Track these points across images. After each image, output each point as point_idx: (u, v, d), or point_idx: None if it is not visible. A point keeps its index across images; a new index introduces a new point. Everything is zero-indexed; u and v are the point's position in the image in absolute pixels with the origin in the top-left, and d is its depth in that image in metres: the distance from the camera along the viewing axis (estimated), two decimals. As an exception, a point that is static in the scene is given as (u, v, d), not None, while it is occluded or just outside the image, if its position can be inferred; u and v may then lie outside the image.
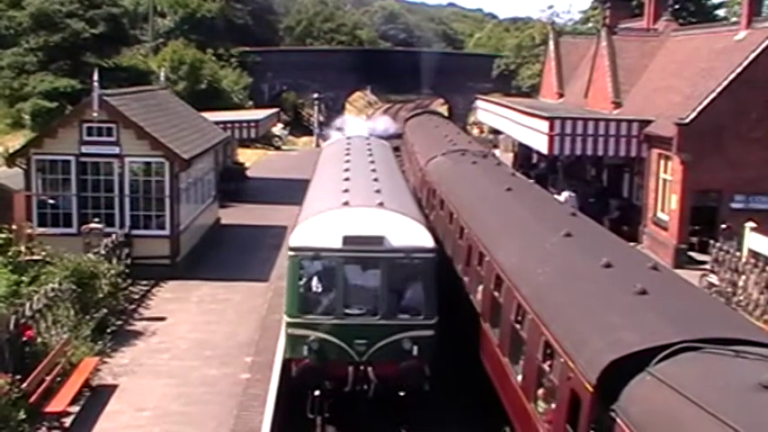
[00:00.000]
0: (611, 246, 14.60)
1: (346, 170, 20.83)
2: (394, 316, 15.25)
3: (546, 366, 11.44)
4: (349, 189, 17.67)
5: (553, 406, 10.90)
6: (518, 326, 13.22)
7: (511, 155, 49.54)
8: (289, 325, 15.46)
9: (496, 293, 15.13)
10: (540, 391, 11.67)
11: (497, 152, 50.27)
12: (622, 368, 8.95)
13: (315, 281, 15.76)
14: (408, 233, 15.65)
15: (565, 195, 33.01)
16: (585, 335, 10.32)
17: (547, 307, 11.95)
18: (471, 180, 23.03)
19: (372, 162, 22.99)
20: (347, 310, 15.26)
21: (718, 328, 9.42)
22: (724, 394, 7.70)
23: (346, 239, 15.25)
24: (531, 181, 28.88)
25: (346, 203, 16.32)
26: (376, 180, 19.52)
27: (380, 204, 16.32)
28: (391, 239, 15.34)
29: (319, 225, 15.79)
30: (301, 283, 15.63)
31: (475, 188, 21.84)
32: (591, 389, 9.25)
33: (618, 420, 8.58)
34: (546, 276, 13.07)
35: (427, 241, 15.71)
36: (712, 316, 10.44)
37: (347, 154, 24.40)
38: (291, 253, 15.60)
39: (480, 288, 16.70)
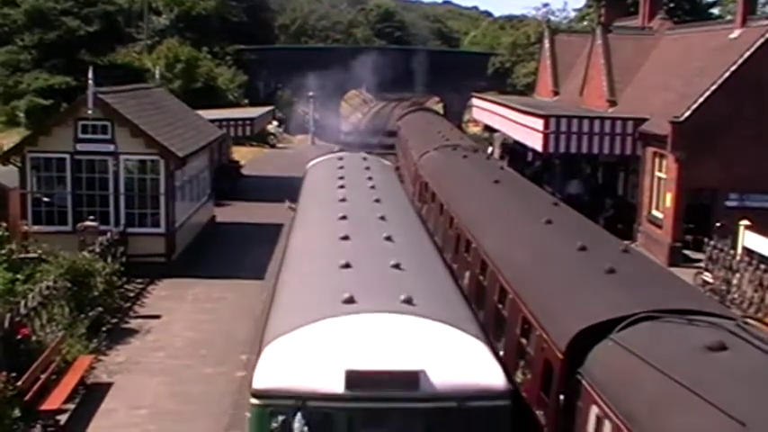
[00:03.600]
0: (588, 232, 15.40)
1: (342, 218, 13.81)
2: None
3: (524, 341, 12.18)
4: (351, 264, 10.96)
5: (529, 376, 11.70)
6: (500, 306, 13.81)
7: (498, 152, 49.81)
8: None
9: (481, 277, 15.53)
10: (521, 363, 12.42)
11: (491, 149, 50.34)
12: (589, 337, 9.85)
13: None
14: (462, 362, 9.15)
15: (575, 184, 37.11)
16: (558, 310, 11.22)
17: (525, 287, 12.71)
18: (461, 173, 23.60)
19: (378, 201, 15.79)
20: None
21: (675, 301, 10.29)
22: (674, 355, 8.58)
23: (353, 378, 8.76)
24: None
25: (350, 302, 9.60)
26: (389, 239, 12.63)
27: (408, 302, 9.62)
28: (433, 376, 8.86)
29: (304, 349, 9.10)
30: None
31: (464, 181, 22.40)
32: (561, 356, 10.09)
33: (583, 382, 9.52)
34: (526, 260, 13.80)
35: (495, 376, 9.21)
36: (672, 290, 11.35)
37: (341, 186, 17.12)
38: (256, 401, 9.08)
39: (467, 274, 16.98)
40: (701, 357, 8.37)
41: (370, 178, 18.77)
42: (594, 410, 9.11)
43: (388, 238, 12.63)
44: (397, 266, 11.06)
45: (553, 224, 15.17)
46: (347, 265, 10.95)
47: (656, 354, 8.61)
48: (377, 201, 15.86)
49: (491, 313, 14.28)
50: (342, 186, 17.17)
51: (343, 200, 15.55)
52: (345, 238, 12.50)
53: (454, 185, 22.20)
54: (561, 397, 10.05)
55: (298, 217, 16.73)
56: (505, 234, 15.66)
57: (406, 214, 16.37)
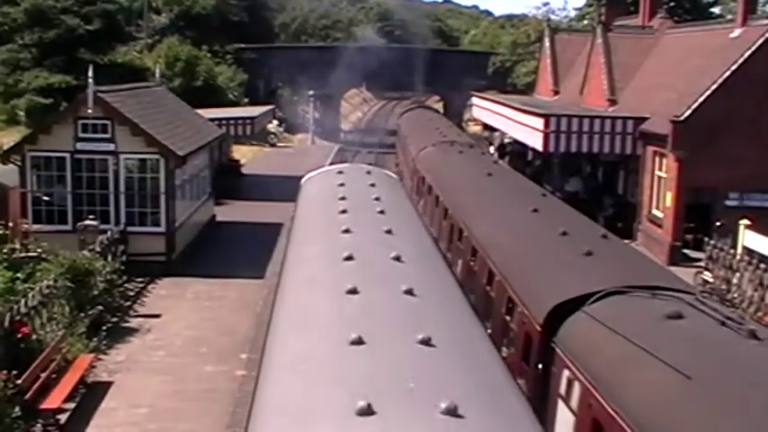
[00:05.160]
0: (571, 219, 16.41)
1: (347, 258, 10.36)
2: None
3: (508, 318, 13.15)
4: (364, 339, 7.54)
5: (513, 350, 12.71)
6: (488, 288, 14.74)
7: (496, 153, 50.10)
8: None
9: (472, 263, 16.49)
10: (504, 340, 13.27)
11: (492, 149, 50.42)
12: (564, 311, 10.85)
13: None
14: None
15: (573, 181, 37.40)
16: (538, 288, 12.25)
17: (510, 269, 13.72)
18: (456, 167, 24.56)
19: (390, 232, 12.26)
20: None
21: (643, 278, 11.24)
22: (636, 324, 9.55)
23: None
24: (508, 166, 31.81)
25: (367, 413, 6.17)
26: (410, 293, 9.03)
27: (452, 413, 6.18)
28: None
29: None
30: None
31: (459, 174, 23.27)
32: (539, 328, 11.13)
33: (557, 350, 10.58)
34: (512, 245, 14.83)
35: None
36: (641, 269, 12.37)
37: (343, 210, 13.68)
38: None
39: (460, 261, 17.75)
40: (660, 325, 9.35)
41: (377, 199, 15.01)
42: (566, 374, 10.14)
43: (409, 292, 8.98)
44: (427, 342, 7.51)
45: (539, 212, 16.14)
46: (359, 341, 7.48)
47: (621, 322, 9.59)
48: (388, 232, 12.21)
49: (481, 295, 15.16)
50: (344, 211, 13.62)
51: (346, 231, 12.04)
52: (353, 291, 8.88)
53: (449, 179, 23.08)
54: (540, 366, 11.09)
55: (290, 252, 12.82)
56: (495, 222, 16.61)
57: (425, 252, 12.51)
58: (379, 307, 8.66)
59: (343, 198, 14.84)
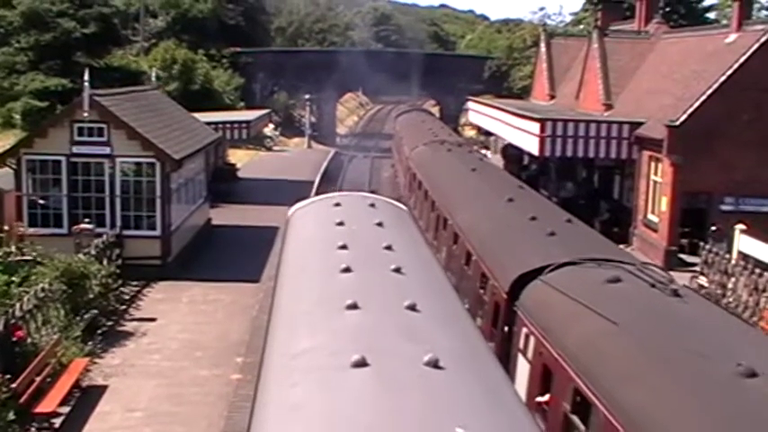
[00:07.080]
0: (541, 207, 18.56)
1: (359, 365, 6.81)
2: None
3: (482, 291, 14.94)
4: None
5: (486, 319, 14.39)
6: (466, 267, 16.65)
7: (499, 155, 50.07)
8: None
9: (454, 247, 18.48)
10: (479, 312, 14.76)
11: (488, 153, 50.47)
12: (526, 280, 12.60)
13: None
14: None
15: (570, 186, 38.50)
16: (507, 263, 14.05)
17: (485, 250, 15.62)
18: (444, 163, 26.76)
19: (413, 308, 8.42)
20: None
21: (595, 253, 13.01)
22: (581, 287, 11.25)
23: None
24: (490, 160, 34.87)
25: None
26: None
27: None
28: None
29: None
30: None
31: (446, 170, 25.51)
32: (505, 296, 12.94)
33: (518, 312, 12.43)
34: (487, 229, 16.69)
35: None
36: (594, 246, 14.20)
37: (345, 269, 9.81)
38: None
39: (445, 248, 19.64)
40: (600, 287, 11.16)
41: (388, 248, 11.16)
42: (524, 331, 12.03)
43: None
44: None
45: (514, 202, 18.13)
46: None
47: (569, 286, 11.32)
48: (411, 308, 8.43)
49: (460, 274, 16.90)
50: (347, 270, 9.81)
51: (353, 306, 8.40)
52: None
53: (437, 174, 25.31)
54: (505, 328, 12.88)
55: (273, 328, 9.08)
56: (474, 211, 18.51)
57: (464, 340, 8.47)
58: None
59: (343, 247, 11.01)
